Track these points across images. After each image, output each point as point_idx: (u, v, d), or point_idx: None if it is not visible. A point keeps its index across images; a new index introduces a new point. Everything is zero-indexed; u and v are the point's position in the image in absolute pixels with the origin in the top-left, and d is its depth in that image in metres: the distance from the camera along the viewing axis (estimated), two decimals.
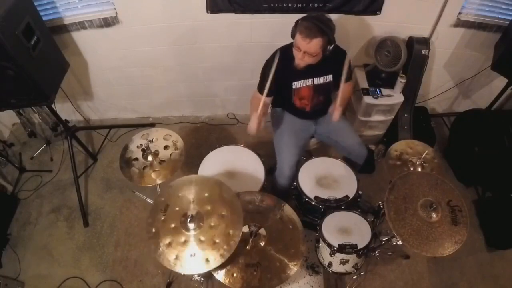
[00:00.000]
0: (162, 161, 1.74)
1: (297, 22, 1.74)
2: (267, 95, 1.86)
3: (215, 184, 1.58)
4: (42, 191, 2.52)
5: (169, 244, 1.39)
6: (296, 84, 1.91)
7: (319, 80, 1.91)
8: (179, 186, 1.57)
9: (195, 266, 1.35)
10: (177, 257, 1.36)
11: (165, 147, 1.79)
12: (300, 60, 1.76)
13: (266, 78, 1.80)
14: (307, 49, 1.69)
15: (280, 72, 1.85)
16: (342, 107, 1.89)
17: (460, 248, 1.42)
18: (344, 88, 1.85)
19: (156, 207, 1.50)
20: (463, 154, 2.53)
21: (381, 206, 1.79)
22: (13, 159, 2.58)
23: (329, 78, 1.92)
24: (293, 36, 1.76)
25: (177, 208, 1.48)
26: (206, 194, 1.53)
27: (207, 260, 1.35)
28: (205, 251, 1.37)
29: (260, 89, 1.90)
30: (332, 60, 1.83)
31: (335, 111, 1.86)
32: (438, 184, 1.58)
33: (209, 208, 1.48)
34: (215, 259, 1.35)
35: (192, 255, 1.36)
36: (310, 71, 1.86)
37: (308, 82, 1.91)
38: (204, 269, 1.35)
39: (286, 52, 1.85)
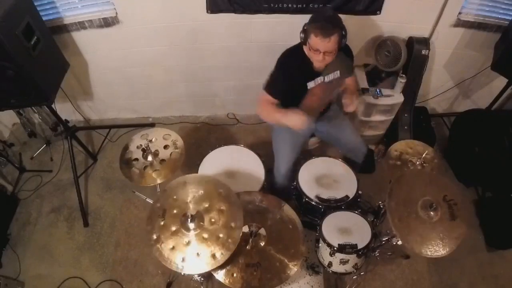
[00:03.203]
0: (162, 160, 1.74)
1: (304, 28, 1.72)
2: (278, 98, 1.83)
3: (209, 181, 1.58)
4: (42, 191, 2.52)
5: (174, 248, 1.39)
6: (310, 84, 1.90)
7: (329, 77, 1.91)
8: (173, 189, 1.56)
9: (203, 264, 1.35)
10: (183, 259, 1.36)
11: (165, 147, 1.80)
12: (321, 62, 1.74)
13: (279, 80, 1.79)
14: (327, 48, 1.66)
15: (293, 77, 1.83)
16: (356, 98, 1.89)
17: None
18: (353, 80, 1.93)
19: (154, 214, 1.49)
20: (463, 154, 2.53)
21: (381, 206, 1.79)
22: (13, 159, 2.58)
23: (337, 74, 1.92)
24: (305, 41, 1.73)
25: (175, 211, 1.48)
26: (201, 192, 1.53)
27: (214, 256, 1.35)
28: (210, 248, 1.37)
29: (273, 92, 1.83)
30: (338, 56, 1.83)
31: (352, 102, 1.86)
32: (432, 180, 1.58)
33: (207, 205, 1.48)
34: (221, 254, 1.35)
35: (198, 254, 1.36)
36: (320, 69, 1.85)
37: (320, 79, 1.90)
38: (213, 265, 1.35)
39: (292, 56, 1.84)
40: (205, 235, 1.40)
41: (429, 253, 1.41)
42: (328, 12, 1.72)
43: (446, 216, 1.48)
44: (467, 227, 1.47)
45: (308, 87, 1.90)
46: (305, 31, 1.72)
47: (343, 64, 1.92)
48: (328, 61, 1.75)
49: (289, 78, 1.84)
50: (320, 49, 1.68)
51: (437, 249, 1.42)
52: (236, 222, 1.43)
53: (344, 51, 1.88)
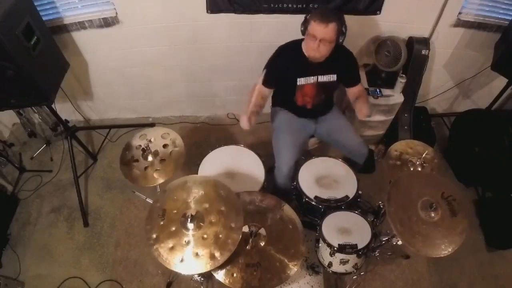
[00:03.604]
0: (162, 159, 1.74)
1: (306, 16, 1.74)
2: (268, 87, 1.90)
3: (209, 182, 1.58)
4: (42, 191, 2.52)
5: (173, 248, 1.39)
6: (300, 81, 1.91)
7: (323, 78, 1.91)
8: (174, 189, 1.56)
9: (203, 264, 1.35)
10: (182, 259, 1.36)
11: (164, 146, 1.79)
12: (315, 51, 1.73)
13: (270, 70, 1.84)
14: (324, 35, 1.66)
15: (285, 67, 1.86)
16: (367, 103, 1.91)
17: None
18: (362, 90, 1.94)
19: (153, 213, 1.49)
20: (463, 154, 2.53)
21: (381, 206, 1.79)
22: (13, 159, 2.58)
23: (333, 77, 1.92)
24: (304, 30, 1.75)
25: (174, 211, 1.48)
26: (202, 193, 1.53)
27: (213, 257, 1.35)
28: (210, 248, 1.37)
29: (264, 80, 1.89)
30: (338, 59, 1.84)
31: (366, 109, 1.87)
32: (428, 180, 1.59)
33: (207, 206, 1.48)
34: (221, 254, 1.35)
35: (197, 255, 1.36)
36: (315, 69, 1.86)
37: (312, 79, 1.91)
38: (212, 266, 1.35)
39: (290, 49, 1.85)
40: (205, 236, 1.40)
41: (436, 253, 1.41)
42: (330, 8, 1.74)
43: (447, 213, 1.48)
44: (468, 221, 1.47)
45: (298, 83, 1.91)
46: (306, 20, 1.74)
47: (343, 70, 1.92)
48: (323, 52, 1.75)
49: (281, 70, 1.86)
50: (316, 35, 1.67)
51: (443, 247, 1.41)
52: (236, 223, 1.42)
53: (345, 56, 1.89)
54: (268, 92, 1.98)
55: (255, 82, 1.95)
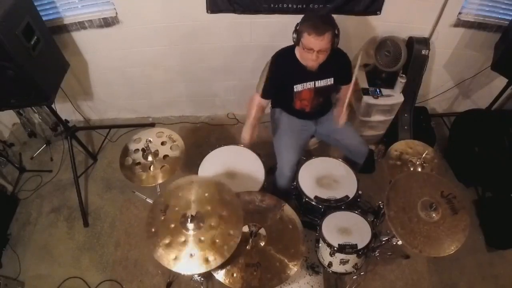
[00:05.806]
0: (163, 157, 1.74)
1: (297, 27, 1.72)
2: (265, 98, 1.90)
3: (215, 184, 1.58)
4: (42, 191, 2.52)
5: (169, 244, 1.39)
6: (297, 87, 1.91)
7: (320, 83, 1.92)
8: (179, 186, 1.56)
9: (195, 266, 1.35)
10: (176, 257, 1.36)
11: (163, 143, 1.80)
12: (314, 61, 1.73)
13: (267, 82, 1.84)
14: (321, 47, 1.65)
15: (281, 75, 1.85)
16: (347, 112, 1.92)
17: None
18: (347, 91, 1.89)
19: (156, 207, 1.50)
20: (463, 154, 2.53)
21: (381, 206, 1.79)
22: (13, 159, 2.58)
23: (330, 81, 1.93)
24: (297, 41, 1.73)
25: (176, 208, 1.48)
26: (206, 195, 1.52)
27: (206, 260, 1.35)
28: (205, 251, 1.36)
29: (261, 92, 1.93)
30: (333, 62, 1.83)
31: (341, 117, 1.90)
32: (426, 179, 1.58)
33: (209, 208, 1.48)
34: (215, 259, 1.35)
35: (192, 255, 1.36)
36: (311, 74, 1.85)
37: (310, 85, 1.91)
38: (204, 269, 1.34)
39: (285, 56, 1.85)
40: (202, 238, 1.40)
41: (440, 252, 1.41)
42: (317, 10, 1.72)
43: (448, 211, 1.48)
44: (470, 217, 1.48)
45: (295, 90, 1.91)
46: (298, 31, 1.71)
47: (339, 72, 1.92)
48: (321, 60, 1.75)
49: (277, 80, 1.86)
50: (313, 48, 1.67)
51: (447, 246, 1.41)
52: (235, 231, 1.42)
53: (340, 58, 1.88)
54: (267, 103, 1.99)
55: (255, 83, 1.96)
